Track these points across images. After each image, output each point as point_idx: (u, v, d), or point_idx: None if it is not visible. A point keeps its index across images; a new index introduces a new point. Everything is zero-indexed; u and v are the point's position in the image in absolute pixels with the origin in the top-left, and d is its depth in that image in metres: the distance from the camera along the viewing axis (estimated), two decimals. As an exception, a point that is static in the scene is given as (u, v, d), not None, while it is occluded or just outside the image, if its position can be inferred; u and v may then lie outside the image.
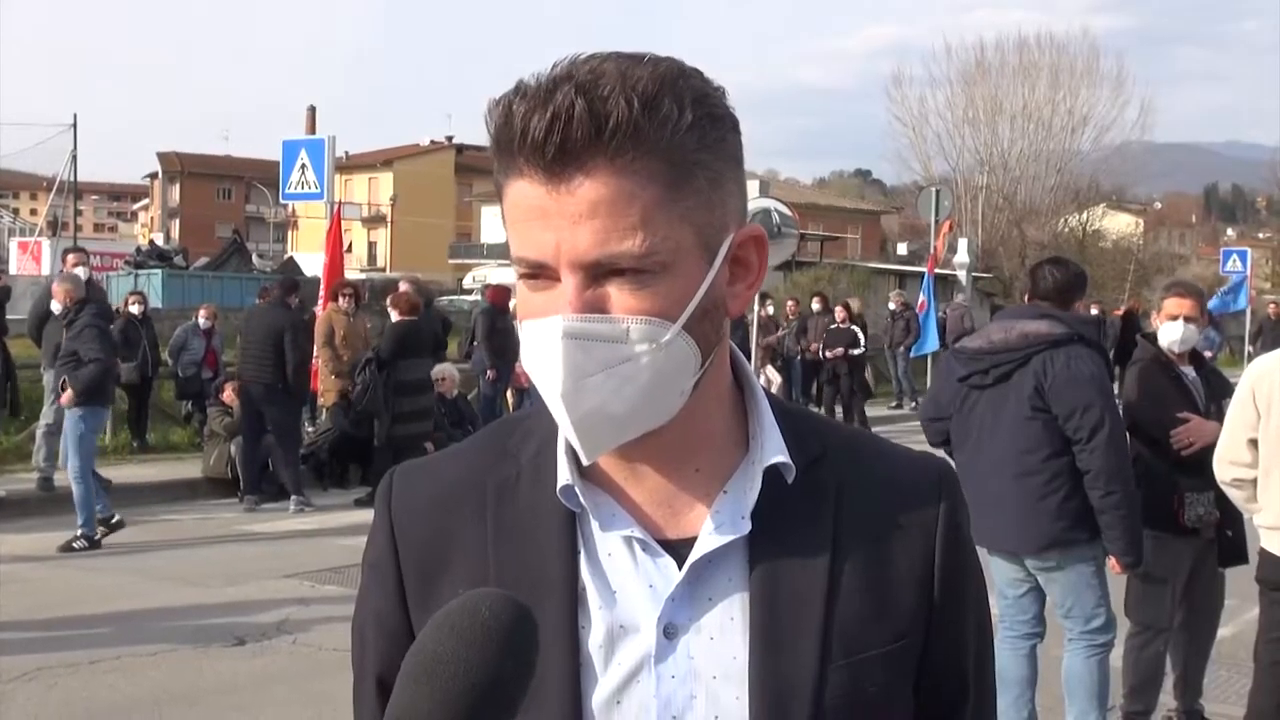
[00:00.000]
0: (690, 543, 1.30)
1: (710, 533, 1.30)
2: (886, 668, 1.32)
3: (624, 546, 1.31)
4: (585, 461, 1.28)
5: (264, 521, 12.15)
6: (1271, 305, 30.46)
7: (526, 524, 1.34)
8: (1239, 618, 7.45)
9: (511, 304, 17.06)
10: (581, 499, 1.31)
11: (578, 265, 1.20)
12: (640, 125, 1.17)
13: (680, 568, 1.29)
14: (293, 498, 12.71)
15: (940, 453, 5.45)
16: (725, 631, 1.29)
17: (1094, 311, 23.94)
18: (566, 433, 1.26)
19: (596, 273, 1.20)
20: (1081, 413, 5.16)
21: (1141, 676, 5.85)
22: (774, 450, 1.32)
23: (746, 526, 1.30)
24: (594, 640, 1.29)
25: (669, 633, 1.29)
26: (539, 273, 1.23)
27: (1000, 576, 5.49)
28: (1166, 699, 6.13)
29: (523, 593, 1.28)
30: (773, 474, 1.32)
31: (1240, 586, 6.22)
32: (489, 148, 1.25)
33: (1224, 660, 6.89)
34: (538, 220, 1.21)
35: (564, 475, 1.31)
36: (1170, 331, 5.86)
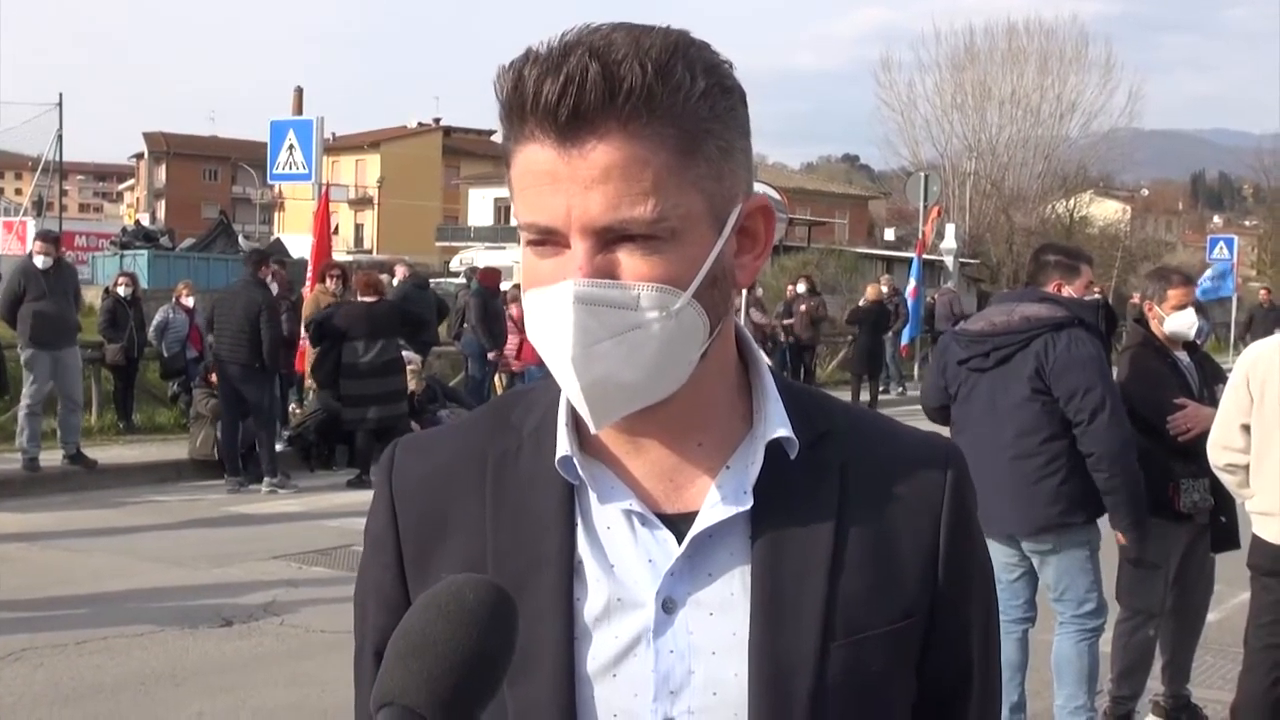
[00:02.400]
0: (690, 517, 1.29)
1: (711, 507, 1.29)
2: (889, 647, 1.30)
3: (623, 520, 1.30)
4: (594, 430, 1.26)
5: (251, 503, 12.13)
6: (1263, 292, 30.56)
7: (525, 496, 1.33)
8: (1225, 603, 7.47)
9: (505, 286, 17.06)
10: (580, 471, 1.30)
11: (589, 230, 1.19)
12: (654, 90, 1.17)
13: (680, 542, 1.28)
14: (265, 479, 12.66)
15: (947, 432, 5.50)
16: (725, 607, 1.28)
17: (1096, 294, 23.98)
18: (575, 400, 1.24)
19: (607, 238, 1.20)
20: (1083, 395, 5.18)
21: (1131, 661, 5.87)
22: (777, 424, 1.31)
23: (748, 501, 1.28)
24: (590, 612, 1.28)
25: (668, 607, 1.28)
26: (547, 239, 1.22)
27: (993, 562, 5.49)
28: (1154, 684, 6.15)
29: (519, 564, 1.29)
30: (776, 449, 1.30)
31: (1225, 572, 6.24)
32: (498, 113, 1.23)
33: (1210, 646, 6.90)
34: (548, 185, 1.20)
35: (563, 447, 1.30)
36: (1185, 320, 5.88)
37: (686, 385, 1.26)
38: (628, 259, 1.20)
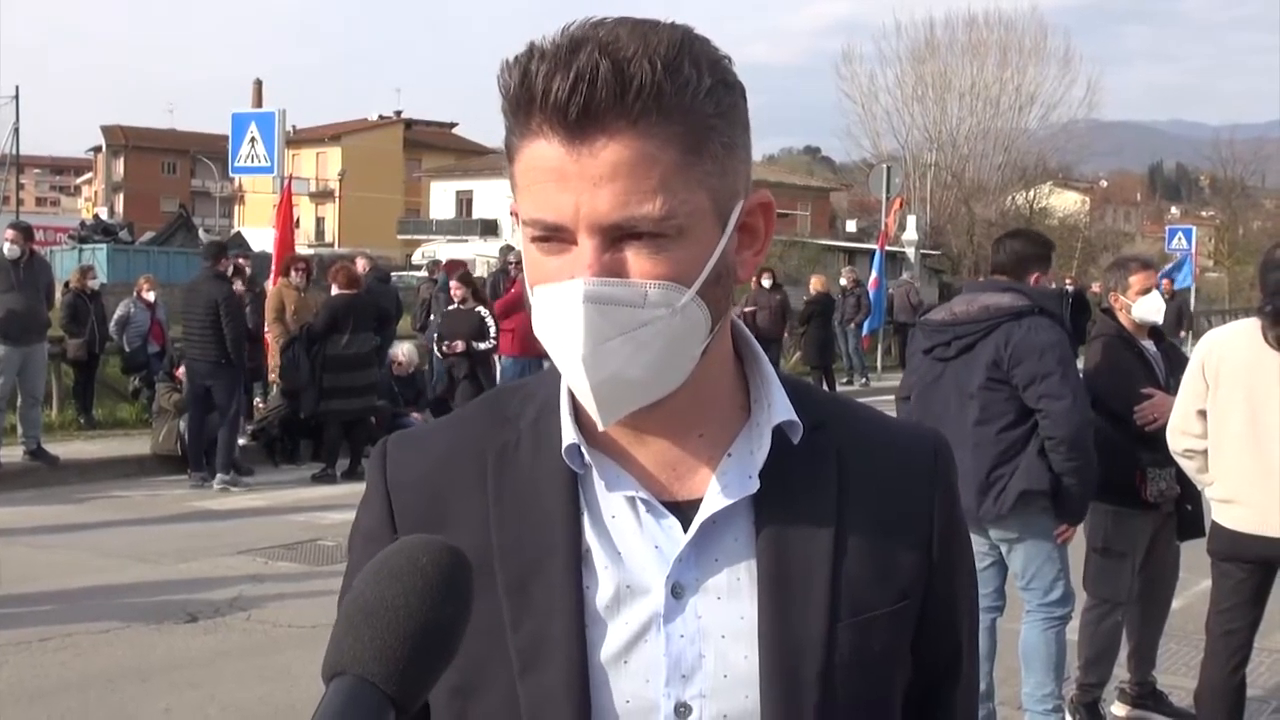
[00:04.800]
0: (695, 504, 1.31)
1: (717, 493, 1.30)
2: (891, 627, 1.34)
3: (628, 508, 1.31)
4: (601, 427, 1.27)
5: (215, 498, 12.06)
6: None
7: (528, 488, 1.33)
8: (1187, 590, 7.52)
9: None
10: (586, 458, 1.31)
11: (597, 228, 1.19)
12: (663, 88, 1.17)
13: (685, 529, 1.30)
14: (218, 475, 12.50)
15: None
16: (733, 591, 1.30)
17: (1068, 285, 24.19)
18: (583, 398, 1.25)
19: (615, 236, 1.20)
20: (1041, 380, 5.20)
21: (1098, 649, 5.92)
22: (782, 410, 1.33)
23: (754, 486, 1.30)
24: (600, 600, 1.29)
25: (676, 592, 1.29)
26: (553, 235, 1.22)
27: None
28: (1120, 671, 6.21)
29: (526, 557, 1.30)
30: (777, 435, 1.33)
31: (1187, 559, 6.30)
32: (501, 107, 1.23)
33: (1174, 633, 6.96)
34: (555, 182, 1.20)
35: (568, 436, 1.31)
36: (1151, 304, 5.92)
37: (688, 381, 1.28)
38: (634, 257, 1.21)
